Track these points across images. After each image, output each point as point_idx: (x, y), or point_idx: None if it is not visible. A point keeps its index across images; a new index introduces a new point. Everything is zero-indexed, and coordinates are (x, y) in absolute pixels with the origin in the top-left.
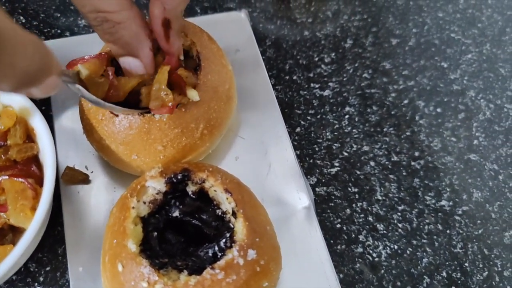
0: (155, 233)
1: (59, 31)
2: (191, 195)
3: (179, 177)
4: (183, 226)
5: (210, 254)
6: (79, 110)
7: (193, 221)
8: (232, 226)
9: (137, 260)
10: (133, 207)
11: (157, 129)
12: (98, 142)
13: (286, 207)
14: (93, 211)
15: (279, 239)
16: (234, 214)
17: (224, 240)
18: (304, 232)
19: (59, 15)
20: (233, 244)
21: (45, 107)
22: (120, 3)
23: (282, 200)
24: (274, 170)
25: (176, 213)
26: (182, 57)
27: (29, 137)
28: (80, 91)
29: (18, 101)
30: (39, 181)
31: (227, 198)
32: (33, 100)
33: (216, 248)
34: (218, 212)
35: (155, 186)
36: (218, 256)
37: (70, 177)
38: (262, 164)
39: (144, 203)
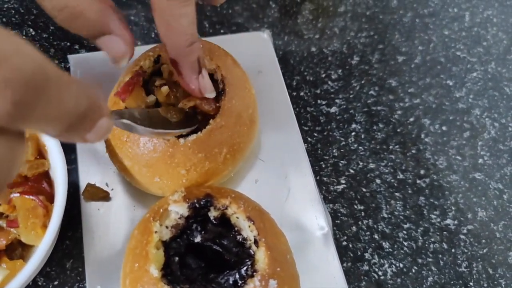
0: (177, 258)
1: (68, 43)
2: (213, 221)
3: (202, 203)
4: (203, 250)
5: (231, 282)
6: None
7: (214, 247)
8: (252, 253)
9: (158, 285)
10: (155, 231)
11: (181, 153)
12: (121, 163)
13: (304, 232)
14: (113, 229)
15: (297, 264)
16: (256, 242)
17: (245, 268)
18: (321, 259)
19: None
20: (254, 273)
21: None
22: None
23: (301, 226)
24: (294, 195)
25: (198, 239)
26: (212, 95)
27: (40, 153)
28: (131, 126)
29: None
30: (50, 198)
31: (249, 226)
32: None
33: (237, 276)
34: (239, 238)
35: (178, 210)
36: (239, 284)
37: (91, 194)
38: (282, 188)
39: (167, 227)
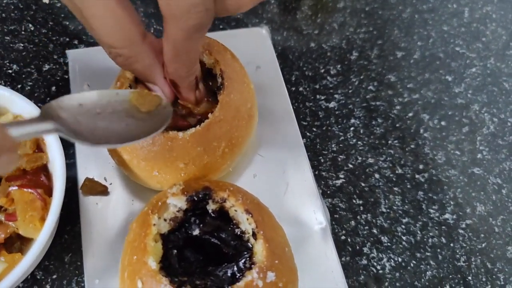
0: (175, 251)
1: (67, 39)
2: (211, 214)
3: (200, 196)
4: (202, 243)
5: (229, 274)
6: None
7: (212, 240)
8: (251, 246)
9: (157, 278)
10: (154, 224)
11: (180, 147)
12: (119, 156)
13: (303, 227)
14: (111, 223)
15: (295, 259)
16: (254, 235)
17: (243, 261)
18: (319, 253)
19: (67, 23)
20: (252, 265)
21: None
22: (129, 39)
23: (299, 220)
24: (292, 190)
25: (196, 232)
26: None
27: (38, 146)
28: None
29: (28, 111)
30: (48, 191)
31: (247, 219)
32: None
33: (235, 269)
34: (237, 231)
35: (176, 203)
36: (237, 277)
37: (89, 189)
38: (280, 183)
39: (165, 220)
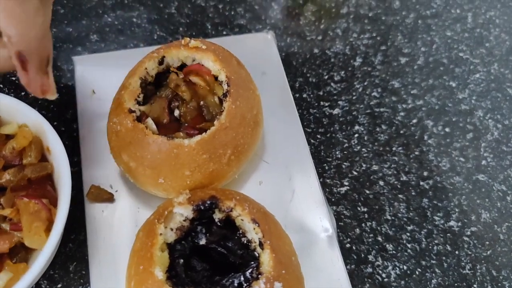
0: (181, 260)
1: (71, 45)
2: (218, 223)
3: (206, 205)
4: (208, 253)
5: (236, 284)
6: (107, 131)
7: (219, 249)
8: (257, 255)
9: None
10: (160, 234)
11: (186, 154)
12: (125, 164)
13: (309, 234)
14: (117, 230)
15: (301, 266)
16: (261, 244)
17: (250, 271)
18: (325, 261)
19: (71, 29)
20: (259, 275)
21: (71, 125)
22: None
23: (305, 228)
24: (298, 197)
25: (202, 241)
26: (53, 97)
27: (43, 155)
28: None
29: (32, 119)
30: (54, 201)
31: (254, 228)
32: (52, 117)
33: (242, 278)
34: (244, 240)
35: (183, 212)
36: (244, 286)
37: (95, 196)
38: (286, 190)
39: (171, 229)
